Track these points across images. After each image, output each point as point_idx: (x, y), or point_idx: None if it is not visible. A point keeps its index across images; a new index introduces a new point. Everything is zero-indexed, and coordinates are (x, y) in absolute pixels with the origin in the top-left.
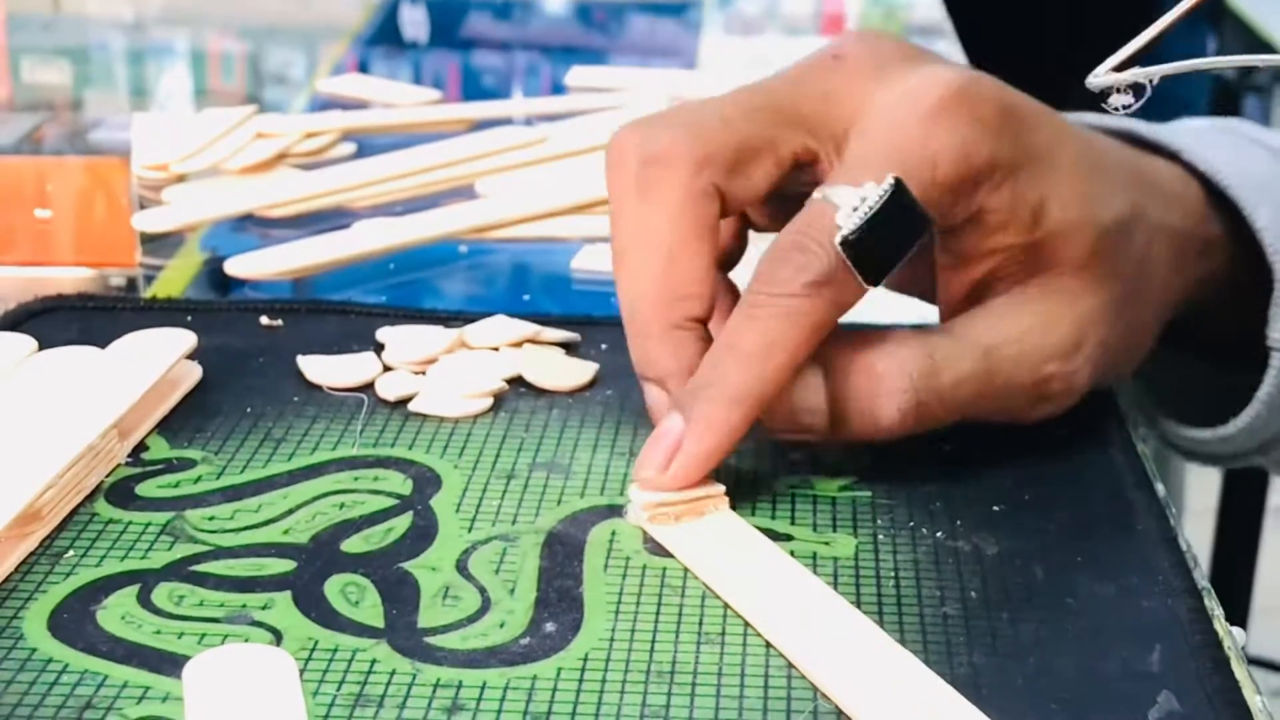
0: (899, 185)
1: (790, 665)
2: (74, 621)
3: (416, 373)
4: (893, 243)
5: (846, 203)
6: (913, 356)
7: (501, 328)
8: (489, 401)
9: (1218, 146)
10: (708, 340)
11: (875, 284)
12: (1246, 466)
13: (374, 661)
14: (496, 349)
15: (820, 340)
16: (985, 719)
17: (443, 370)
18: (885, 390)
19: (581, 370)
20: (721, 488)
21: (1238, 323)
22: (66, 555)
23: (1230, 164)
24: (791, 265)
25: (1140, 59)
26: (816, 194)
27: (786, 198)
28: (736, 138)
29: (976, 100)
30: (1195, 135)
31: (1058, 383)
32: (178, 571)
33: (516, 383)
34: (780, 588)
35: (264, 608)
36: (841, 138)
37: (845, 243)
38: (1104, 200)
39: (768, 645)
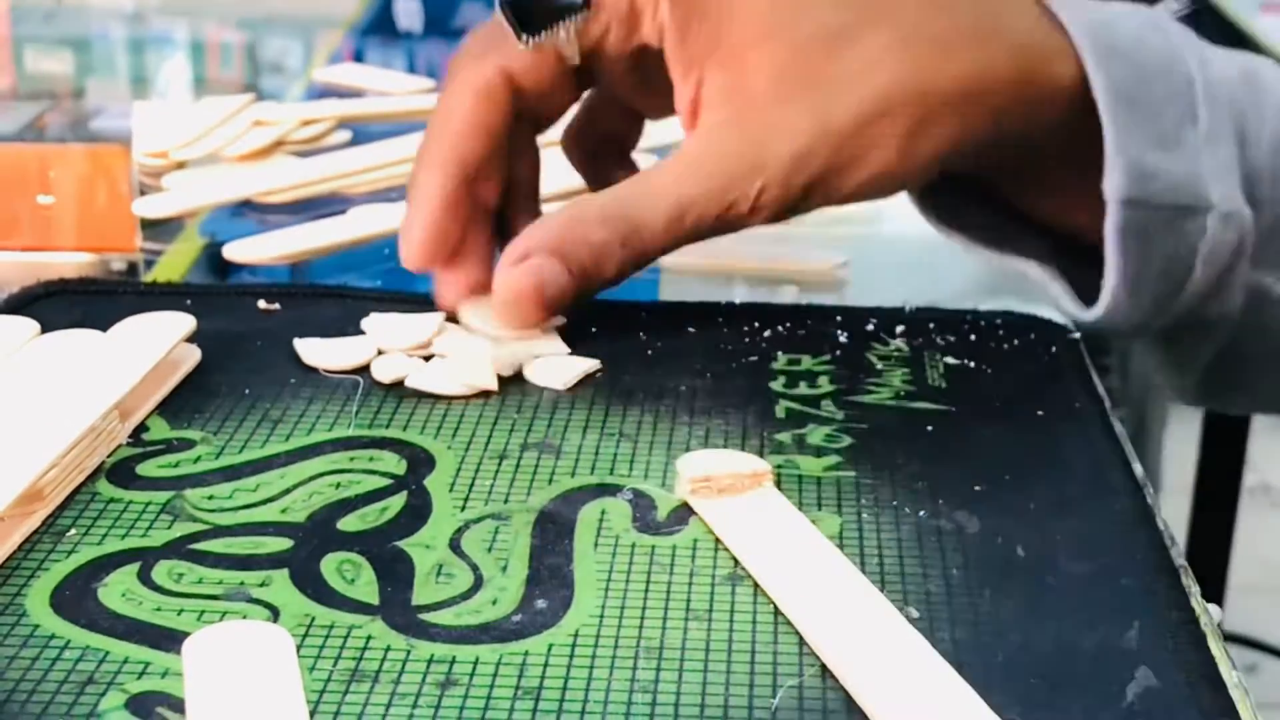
0: None
1: (777, 641)
2: (76, 599)
3: (412, 355)
4: (545, 10)
5: None
6: (617, 222)
7: None
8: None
9: (1095, 11)
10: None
11: (530, 41)
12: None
13: (369, 638)
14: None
15: (499, 101)
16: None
17: (443, 351)
18: (602, 255)
19: (581, 367)
20: (768, 465)
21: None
22: (68, 534)
23: (1088, 22)
24: (468, 42)
25: None
26: None
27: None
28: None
29: None
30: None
31: (742, 191)
32: (177, 549)
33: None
34: (810, 570)
35: (262, 585)
36: None
37: (503, 5)
38: (805, 12)
39: (754, 622)
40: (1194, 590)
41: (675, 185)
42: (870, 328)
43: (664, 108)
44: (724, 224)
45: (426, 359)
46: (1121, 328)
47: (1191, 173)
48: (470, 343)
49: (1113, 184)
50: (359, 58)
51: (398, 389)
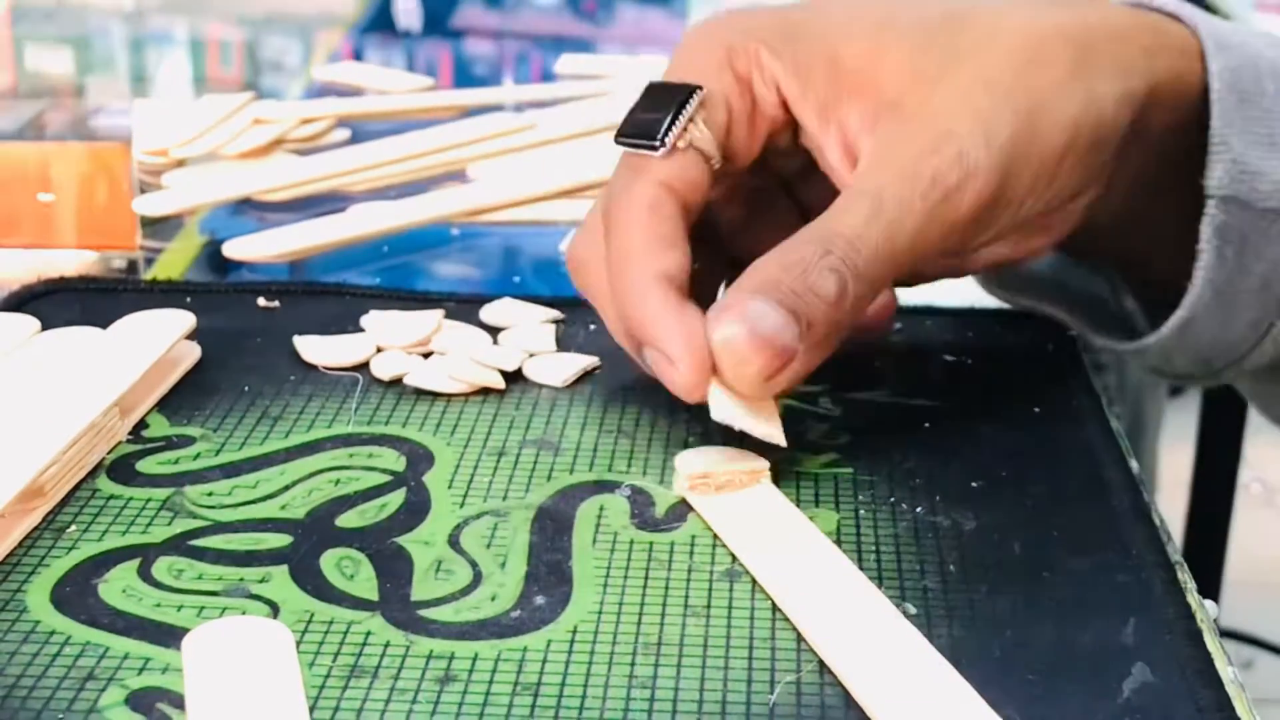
0: (650, 83)
1: (774, 637)
2: (76, 595)
3: (411, 353)
4: (658, 108)
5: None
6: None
7: (511, 310)
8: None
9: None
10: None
11: (663, 143)
12: (1220, 383)
13: (368, 634)
14: (500, 330)
15: (671, 216)
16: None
17: (443, 349)
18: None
19: (579, 364)
20: (766, 463)
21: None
22: (69, 530)
23: (1209, 19)
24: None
25: None
26: None
27: None
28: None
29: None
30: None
31: (952, 175)
32: (177, 546)
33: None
34: (808, 566)
35: (261, 581)
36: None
37: (619, 135)
38: (895, 14)
39: (752, 618)
40: (1190, 586)
41: (861, 180)
42: None
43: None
44: (936, 219)
45: (425, 356)
46: (1209, 349)
47: None
48: (472, 339)
49: (1215, 178)
50: (358, 56)
51: (397, 386)
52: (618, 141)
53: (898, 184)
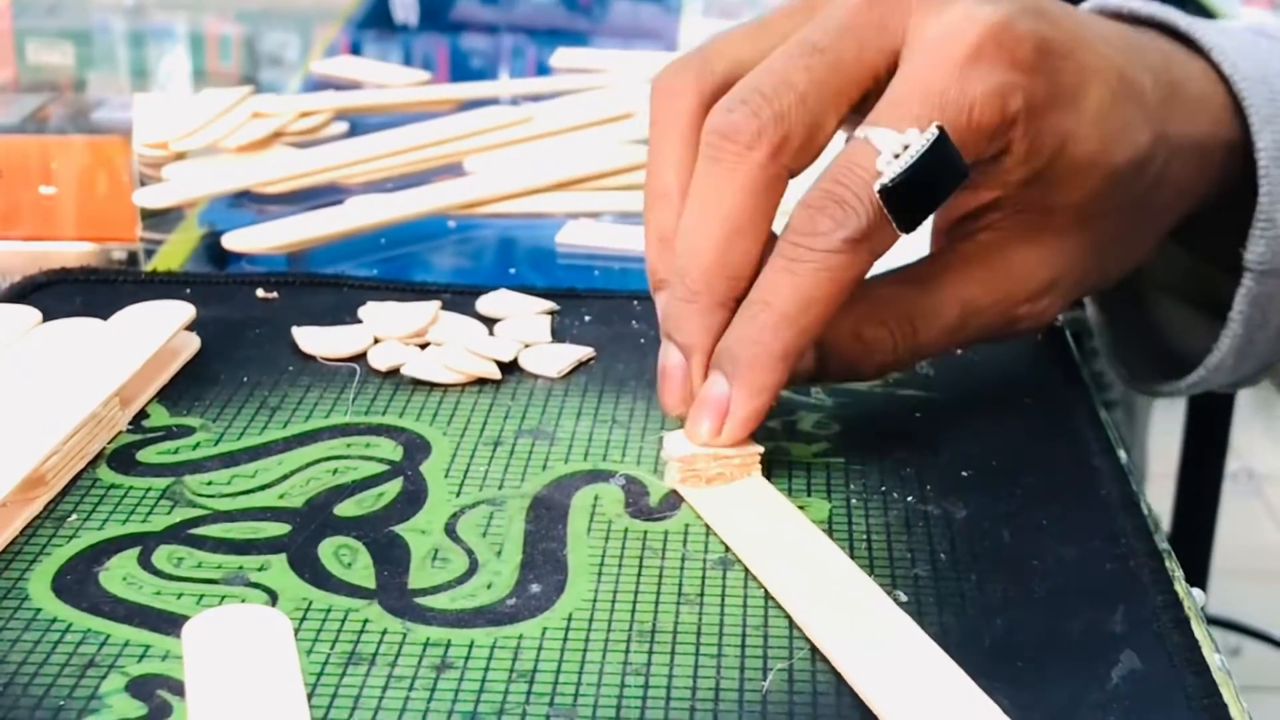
0: (941, 133)
1: (767, 625)
2: (77, 583)
3: (408, 343)
4: (930, 191)
5: (888, 148)
6: (898, 324)
7: (507, 301)
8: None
9: (1248, 51)
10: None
11: (910, 232)
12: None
13: (366, 621)
14: (496, 321)
15: (852, 290)
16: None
17: (439, 340)
18: (870, 352)
19: (574, 354)
20: (760, 448)
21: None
22: (70, 519)
23: (1254, 72)
24: (830, 218)
25: None
26: (858, 133)
27: None
28: (810, 116)
29: (1013, 41)
30: (1229, 36)
31: (1026, 321)
32: (177, 534)
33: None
34: (799, 554)
35: (260, 569)
36: (892, 70)
37: (885, 191)
38: (1123, 138)
39: (745, 606)
40: (1178, 575)
41: (961, 290)
42: None
43: None
44: (1001, 333)
45: (422, 347)
46: (1216, 386)
47: None
48: (468, 330)
49: (1256, 253)
50: (356, 50)
51: (394, 376)
52: (885, 196)
53: (990, 310)
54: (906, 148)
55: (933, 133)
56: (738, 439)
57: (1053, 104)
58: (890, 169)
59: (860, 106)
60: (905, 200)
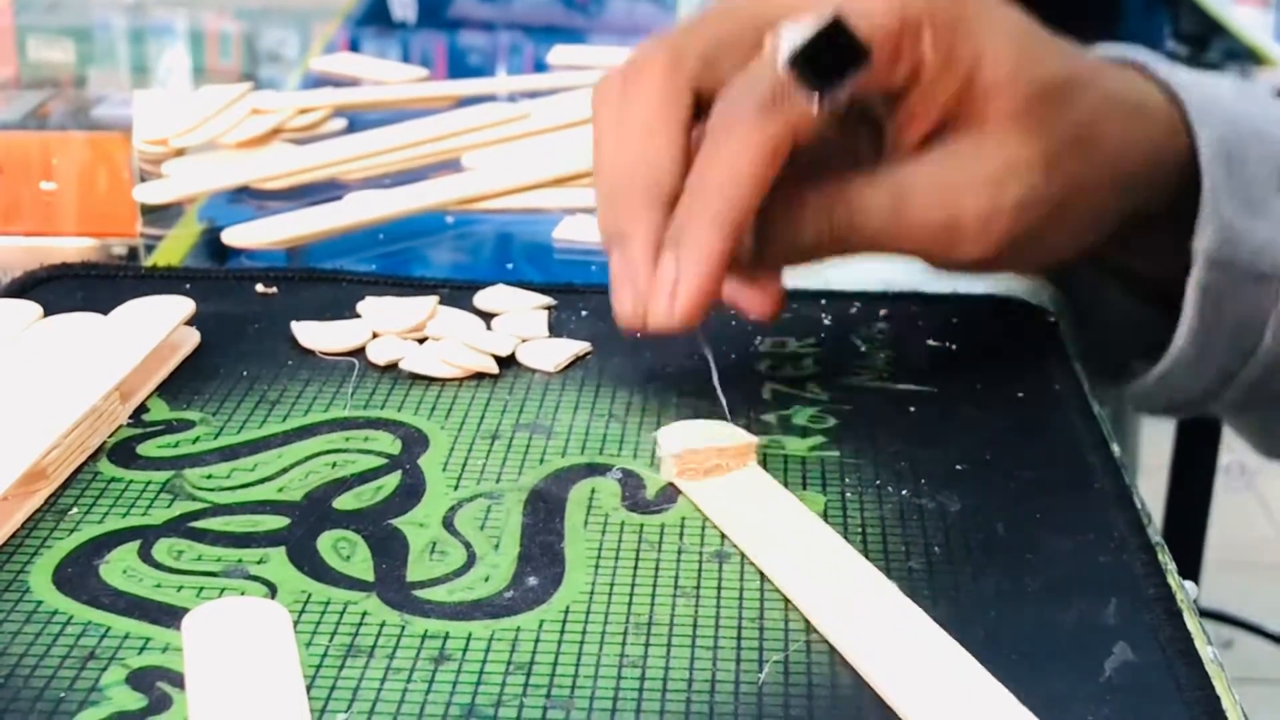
0: (837, 18)
1: (763, 617)
2: (78, 575)
3: (406, 338)
4: (834, 65)
5: (789, 31)
6: (833, 202)
7: (504, 296)
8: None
9: (1180, 72)
10: (669, 218)
11: (821, 101)
12: (1201, 415)
13: (364, 614)
14: (494, 316)
15: (782, 160)
16: (1013, 698)
17: (438, 334)
18: (801, 231)
19: (571, 349)
20: (754, 439)
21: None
22: (70, 512)
23: (1189, 82)
24: (743, 91)
25: None
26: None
27: None
28: (708, 36)
29: None
30: (1157, 61)
31: (971, 222)
32: (177, 528)
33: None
34: (797, 539)
35: (259, 562)
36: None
37: (789, 60)
38: (1040, 61)
39: (741, 598)
40: (1170, 567)
41: (902, 177)
42: (854, 311)
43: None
44: (944, 240)
45: (421, 342)
46: (1183, 394)
47: (1273, 240)
48: (466, 325)
49: (1204, 241)
50: (355, 47)
51: (392, 371)
52: (790, 66)
53: (926, 193)
54: (805, 26)
55: (828, 15)
56: (690, 313)
57: (960, 21)
58: (789, 40)
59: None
60: (810, 69)
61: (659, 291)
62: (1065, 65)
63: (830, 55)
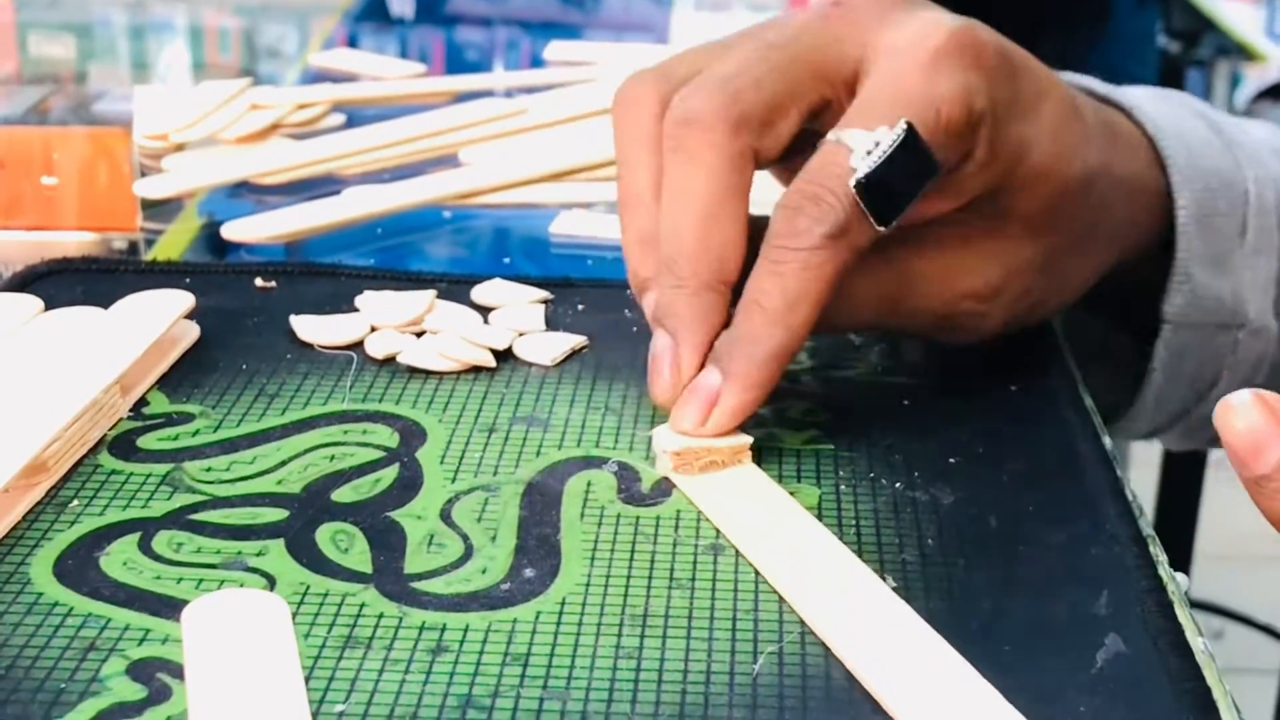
0: (911, 129)
1: (757, 609)
2: (78, 567)
3: (404, 332)
4: (905, 185)
5: (860, 146)
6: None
7: (501, 290)
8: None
9: (1164, 112)
10: (731, 301)
11: (888, 226)
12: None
13: (362, 605)
14: (491, 310)
15: (838, 284)
16: (998, 694)
17: (435, 328)
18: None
19: (568, 343)
20: (749, 439)
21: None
22: (71, 505)
23: (1172, 130)
24: (808, 216)
25: None
26: (830, 137)
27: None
28: (767, 96)
29: (976, 46)
30: (1143, 97)
31: (966, 319)
32: (177, 520)
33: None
34: (790, 536)
35: (258, 554)
36: (852, 81)
37: (860, 186)
38: (1075, 153)
39: (735, 590)
40: (1162, 559)
41: (906, 265)
42: None
43: None
44: (937, 324)
45: (418, 335)
46: (1135, 431)
47: (1234, 291)
48: (463, 319)
49: (1174, 307)
50: (353, 43)
51: (390, 364)
52: (859, 189)
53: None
54: (878, 144)
55: (902, 128)
56: (722, 430)
57: (1013, 111)
58: (863, 164)
59: (823, 117)
60: (879, 194)
61: (696, 398)
62: (1089, 159)
63: (901, 169)
